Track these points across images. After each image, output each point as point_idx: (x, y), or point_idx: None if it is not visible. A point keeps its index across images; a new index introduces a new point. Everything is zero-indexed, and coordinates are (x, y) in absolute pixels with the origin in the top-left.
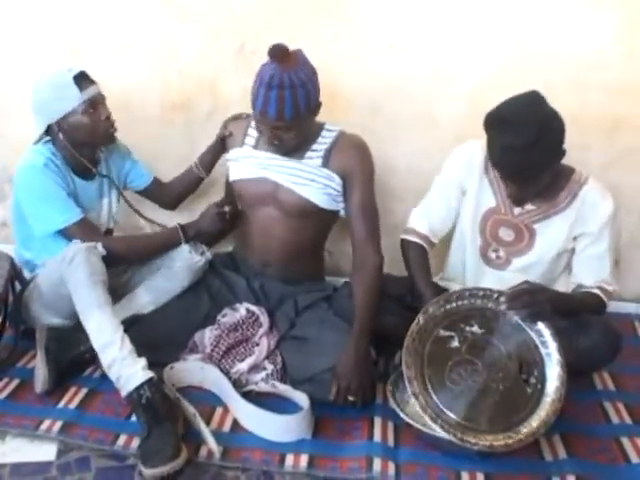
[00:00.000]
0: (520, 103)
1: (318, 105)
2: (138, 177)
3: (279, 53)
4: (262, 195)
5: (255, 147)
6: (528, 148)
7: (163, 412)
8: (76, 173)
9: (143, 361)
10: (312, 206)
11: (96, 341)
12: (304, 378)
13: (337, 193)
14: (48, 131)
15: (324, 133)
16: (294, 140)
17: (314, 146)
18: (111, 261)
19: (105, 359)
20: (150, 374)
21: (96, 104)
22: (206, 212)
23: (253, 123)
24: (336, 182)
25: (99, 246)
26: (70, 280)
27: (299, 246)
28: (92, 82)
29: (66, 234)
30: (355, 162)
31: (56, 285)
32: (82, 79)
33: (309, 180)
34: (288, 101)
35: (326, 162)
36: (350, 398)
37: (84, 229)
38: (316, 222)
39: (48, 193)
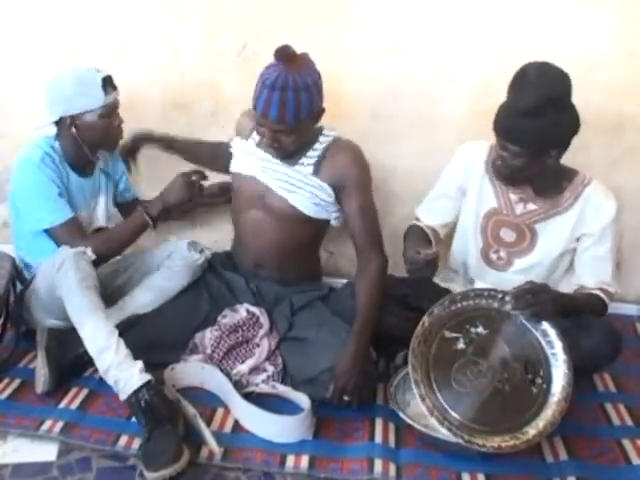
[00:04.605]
0: (549, 71)
1: (321, 111)
2: (124, 190)
3: (285, 55)
4: (252, 194)
5: (258, 145)
6: (530, 112)
7: (163, 414)
8: (73, 169)
9: (140, 364)
10: (299, 214)
11: (91, 347)
12: (305, 379)
13: (327, 203)
14: (57, 123)
15: (321, 138)
16: (294, 145)
17: (309, 152)
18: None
19: (101, 364)
20: (147, 377)
21: (113, 110)
22: (171, 183)
23: None
24: (326, 192)
25: (88, 251)
26: (62, 286)
27: (290, 249)
28: (115, 88)
29: (51, 234)
30: (347, 169)
31: (50, 290)
32: (107, 83)
33: (297, 187)
34: (290, 104)
35: (317, 171)
36: (345, 398)
37: (69, 231)
38: (306, 229)
39: (39, 191)
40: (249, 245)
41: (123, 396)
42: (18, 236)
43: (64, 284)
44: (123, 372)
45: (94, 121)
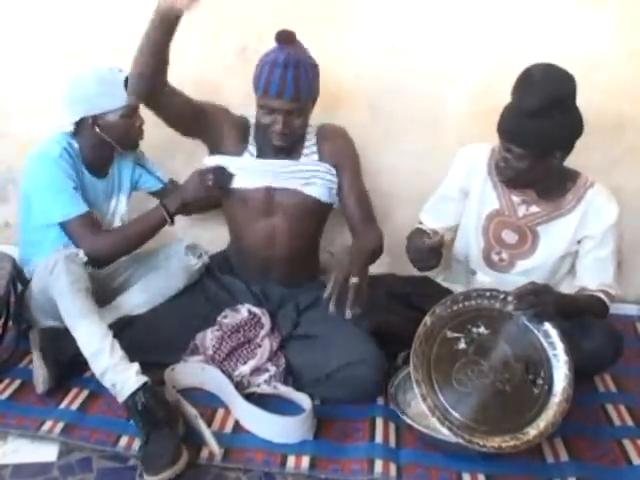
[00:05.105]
0: (554, 72)
1: (318, 95)
2: (148, 181)
3: (287, 37)
4: (262, 202)
5: (258, 156)
6: (534, 113)
7: (160, 416)
8: (89, 169)
9: (136, 366)
10: (315, 202)
11: (85, 350)
12: (317, 377)
13: (334, 184)
14: (76, 123)
15: (308, 129)
16: (301, 129)
17: (305, 143)
18: (109, 258)
19: (97, 368)
20: (143, 379)
21: (135, 110)
22: (188, 180)
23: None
24: (332, 174)
25: (80, 253)
26: (54, 289)
27: (301, 249)
28: None
29: (65, 228)
30: (341, 149)
31: (44, 291)
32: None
33: (311, 177)
34: (304, 80)
35: (321, 156)
36: (353, 280)
37: (84, 225)
38: (315, 218)
39: (56, 184)
40: (259, 254)
41: (120, 399)
42: (25, 231)
43: (56, 287)
44: (119, 375)
45: (116, 121)
